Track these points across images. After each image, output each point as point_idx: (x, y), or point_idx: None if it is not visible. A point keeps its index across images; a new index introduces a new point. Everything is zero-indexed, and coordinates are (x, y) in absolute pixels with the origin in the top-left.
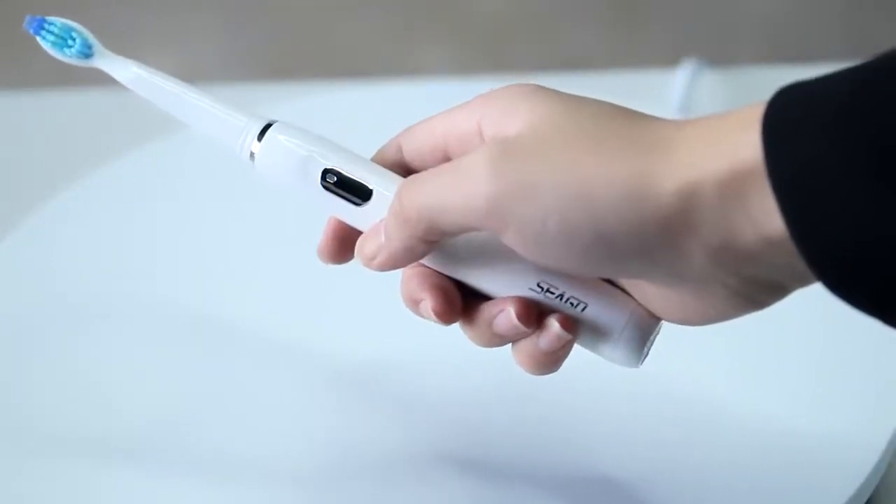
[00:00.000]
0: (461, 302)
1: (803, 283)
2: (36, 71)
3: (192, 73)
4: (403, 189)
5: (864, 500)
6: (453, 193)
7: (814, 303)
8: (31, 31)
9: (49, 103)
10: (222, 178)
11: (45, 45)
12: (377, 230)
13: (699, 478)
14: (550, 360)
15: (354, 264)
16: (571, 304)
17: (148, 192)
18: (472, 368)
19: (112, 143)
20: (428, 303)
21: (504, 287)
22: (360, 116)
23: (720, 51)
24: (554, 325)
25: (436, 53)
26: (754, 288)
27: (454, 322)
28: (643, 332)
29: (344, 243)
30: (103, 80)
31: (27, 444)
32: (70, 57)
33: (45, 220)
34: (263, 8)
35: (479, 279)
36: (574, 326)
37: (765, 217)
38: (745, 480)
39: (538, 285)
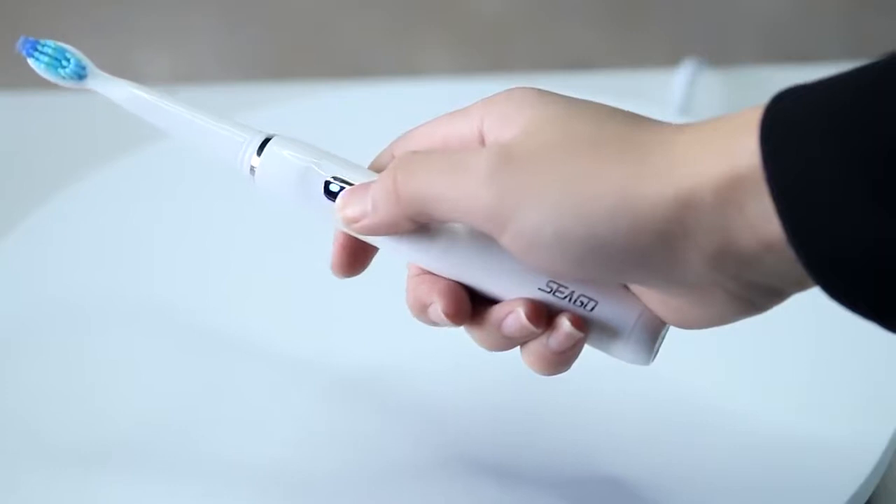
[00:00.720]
0: (470, 305)
1: (802, 287)
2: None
3: (191, 73)
4: (399, 169)
5: (864, 500)
6: (451, 189)
7: (814, 303)
8: (24, 54)
9: (49, 104)
10: (223, 180)
11: (38, 68)
12: (364, 192)
13: (700, 478)
14: (561, 360)
15: None
16: (581, 303)
17: (148, 192)
18: (473, 372)
19: (112, 143)
20: (438, 305)
21: (512, 289)
22: (360, 116)
23: (720, 51)
24: (565, 323)
25: (436, 54)
26: (753, 292)
27: (464, 324)
28: (654, 329)
29: (355, 254)
30: None
31: (26, 444)
32: (64, 78)
33: (45, 220)
34: (263, 8)
35: (486, 282)
36: (585, 325)
37: (763, 222)
38: (746, 480)
39: (547, 285)
